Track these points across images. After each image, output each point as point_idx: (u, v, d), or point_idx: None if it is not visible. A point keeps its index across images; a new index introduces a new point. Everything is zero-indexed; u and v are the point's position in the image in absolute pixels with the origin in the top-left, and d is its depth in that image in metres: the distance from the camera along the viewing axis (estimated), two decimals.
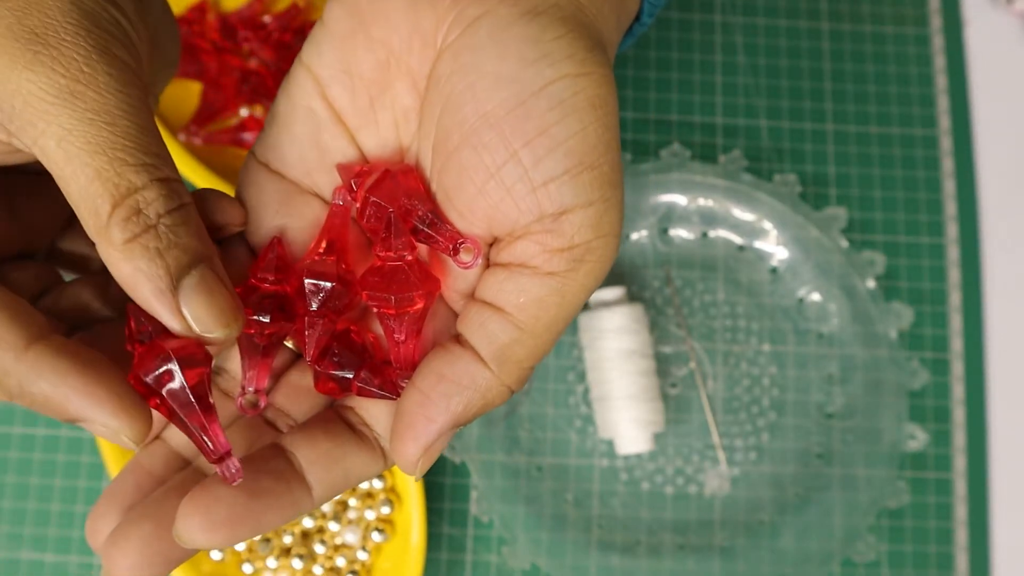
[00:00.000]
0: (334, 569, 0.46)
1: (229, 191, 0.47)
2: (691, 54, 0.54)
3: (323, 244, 0.28)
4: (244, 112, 0.51)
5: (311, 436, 0.26)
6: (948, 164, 0.53)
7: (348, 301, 0.28)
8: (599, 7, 0.27)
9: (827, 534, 0.47)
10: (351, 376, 0.27)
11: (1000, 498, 0.49)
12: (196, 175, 0.47)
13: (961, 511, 0.49)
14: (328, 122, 0.28)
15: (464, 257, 0.26)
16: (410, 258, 0.27)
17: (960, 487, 0.49)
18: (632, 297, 0.50)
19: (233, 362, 0.29)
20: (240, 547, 0.44)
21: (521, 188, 0.25)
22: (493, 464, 0.47)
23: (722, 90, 0.53)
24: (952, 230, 0.52)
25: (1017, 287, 0.52)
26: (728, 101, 0.53)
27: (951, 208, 0.52)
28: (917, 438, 0.48)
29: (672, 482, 0.48)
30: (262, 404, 0.27)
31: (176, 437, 0.27)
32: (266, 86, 0.51)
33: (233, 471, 0.25)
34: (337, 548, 0.46)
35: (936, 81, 0.54)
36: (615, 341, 0.47)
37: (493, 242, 0.27)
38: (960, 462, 0.49)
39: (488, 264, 0.27)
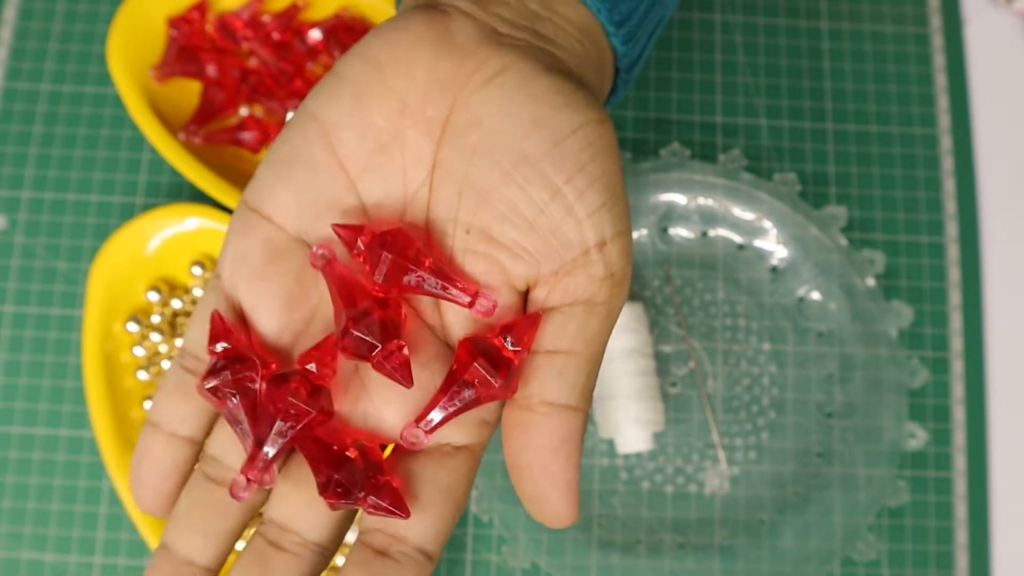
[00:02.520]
0: (335, 568, 0.46)
1: (228, 190, 0.47)
2: (690, 53, 0.54)
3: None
4: (244, 111, 0.51)
5: None
6: (948, 163, 0.53)
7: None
8: (592, 77, 0.31)
9: (827, 533, 0.47)
10: (359, 498, 0.26)
11: (1000, 497, 0.49)
12: (196, 174, 0.47)
13: (961, 510, 0.49)
14: (327, 166, 0.28)
15: (482, 306, 0.27)
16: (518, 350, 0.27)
17: (960, 486, 0.49)
18: (632, 296, 0.50)
19: (219, 446, 0.28)
20: (239, 546, 0.44)
21: (570, 221, 0.27)
22: (494, 463, 0.47)
23: (722, 89, 0.53)
24: (952, 229, 0.52)
25: (1017, 286, 0.52)
26: (728, 100, 0.53)
27: (951, 207, 0.52)
28: (917, 437, 0.48)
29: (672, 481, 0.48)
30: (244, 495, 0.27)
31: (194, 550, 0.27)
32: (265, 86, 0.51)
33: (242, 491, 0.27)
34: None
35: (936, 80, 0.54)
36: (615, 340, 0.47)
37: (528, 289, 0.28)
38: (960, 461, 0.49)
39: (519, 312, 0.28)
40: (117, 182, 0.51)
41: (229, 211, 0.48)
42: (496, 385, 0.26)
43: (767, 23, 0.54)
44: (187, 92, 0.51)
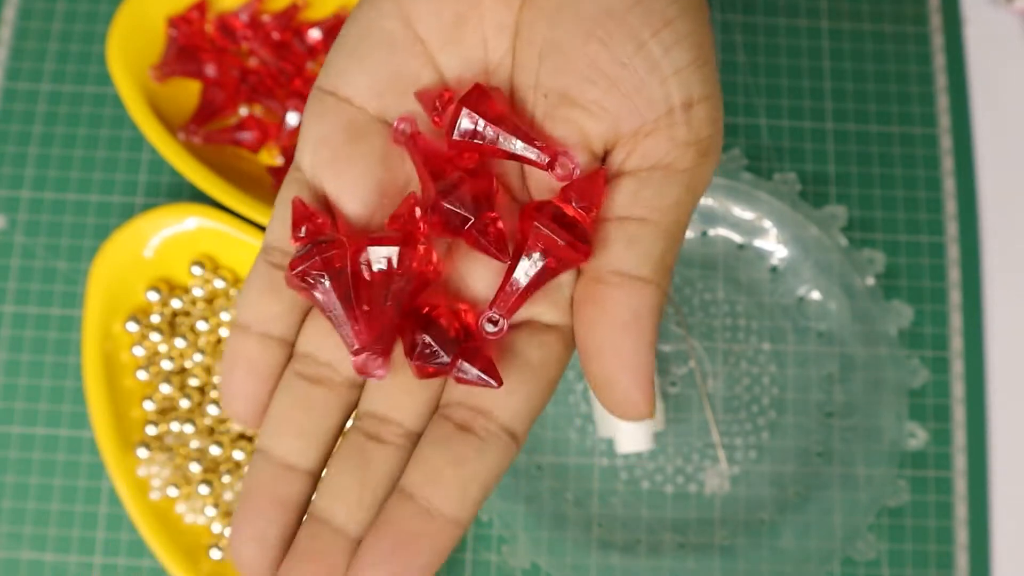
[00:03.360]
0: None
1: (228, 190, 0.47)
2: None
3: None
4: (243, 111, 0.51)
5: (419, 461, 0.25)
6: (948, 162, 0.53)
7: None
8: None
9: (827, 533, 0.47)
10: (448, 363, 0.25)
11: (1000, 497, 0.49)
12: (196, 174, 0.47)
13: (961, 510, 0.49)
14: (405, 42, 0.27)
15: (563, 167, 0.25)
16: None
17: (960, 486, 0.49)
18: None
19: (311, 343, 0.27)
20: None
21: (654, 78, 0.25)
22: None
23: (722, 88, 0.53)
24: (952, 228, 0.52)
25: (1017, 286, 0.52)
26: (728, 99, 0.53)
27: (951, 206, 0.52)
28: (917, 436, 0.48)
29: (672, 481, 0.48)
30: (383, 372, 0.25)
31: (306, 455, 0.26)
32: (265, 85, 0.51)
33: (375, 369, 0.25)
34: None
35: (936, 79, 0.54)
36: None
37: (607, 153, 0.26)
38: (960, 461, 0.49)
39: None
40: (117, 182, 0.51)
41: (229, 211, 0.48)
42: (562, 244, 0.24)
43: (767, 23, 0.54)
44: (187, 92, 0.51)
